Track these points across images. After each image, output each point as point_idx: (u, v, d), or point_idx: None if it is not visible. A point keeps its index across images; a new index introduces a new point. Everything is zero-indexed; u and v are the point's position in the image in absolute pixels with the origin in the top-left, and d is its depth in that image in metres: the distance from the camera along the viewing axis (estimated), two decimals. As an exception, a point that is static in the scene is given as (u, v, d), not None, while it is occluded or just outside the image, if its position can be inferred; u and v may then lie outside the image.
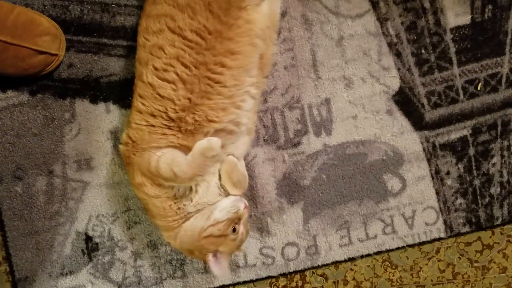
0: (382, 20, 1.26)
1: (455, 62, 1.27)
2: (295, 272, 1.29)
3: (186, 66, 1.00)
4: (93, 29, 1.19)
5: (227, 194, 1.08)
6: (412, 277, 1.32)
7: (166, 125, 1.02)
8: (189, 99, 1.00)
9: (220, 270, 1.04)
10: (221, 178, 1.08)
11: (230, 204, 1.05)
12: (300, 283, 1.30)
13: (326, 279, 1.31)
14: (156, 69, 1.01)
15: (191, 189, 1.05)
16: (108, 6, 1.18)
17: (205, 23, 0.99)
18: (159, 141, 1.01)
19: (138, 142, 1.03)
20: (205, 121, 1.01)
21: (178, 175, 0.97)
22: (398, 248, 1.30)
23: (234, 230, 1.04)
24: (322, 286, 1.31)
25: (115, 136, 1.21)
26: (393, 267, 1.32)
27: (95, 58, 1.20)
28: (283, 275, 1.28)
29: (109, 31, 1.19)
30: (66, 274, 1.23)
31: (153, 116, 1.02)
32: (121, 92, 1.21)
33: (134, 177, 1.05)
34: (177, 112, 1.01)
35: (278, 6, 1.14)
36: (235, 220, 1.04)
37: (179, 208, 1.05)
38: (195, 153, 0.98)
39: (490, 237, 1.33)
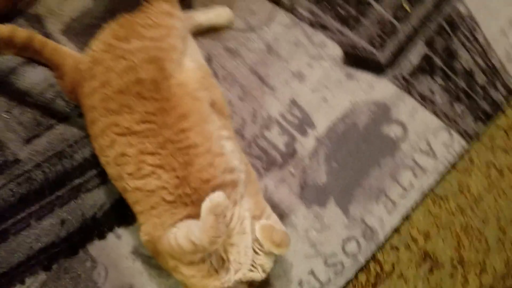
0: (291, 10, 1.30)
1: (372, 2, 1.31)
2: (367, 262, 1.26)
3: (154, 154, 1.01)
4: (61, 180, 1.20)
5: (267, 251, 1.06)
6: (466, 197, 1.31)
7: (171, 209, 1.01)
8: (176, 176, 1.01)
9: None
10: (263, 245, 1.06)
11: None
12: (378, 268, 1.27)
13: (397, 248, 1.28)
14: (130, 174, 1.02)
15: (223, 259, 1.03)
16: (62, 153, 1.20)
17: (145, 109, 1.01)
18: (171, 220, 1.01)
19: (154, 232, 1.03)
20: (203, 184, 1.01)
21: (197, 243, 0.94)
22: (437, 182, 1.29)
23: None
24: (398, 257, 1.28)
25: (139, 252, 1.20)
26: (445, 199, 1.30)
27: (79, 202, 1.20)
28: (359, 271, 1.26)
29: (76, 171, 1.20)
30: None
31: (154, 208, 1.02)
32: (120, 214, 1.20)
33: (167, 262, 1.03)
34: (173, 194, 1.01)
35: (200, 55, 1.17)
36: None
37: (222, 283, 1.02)
38: (203, 216, 0.96)
39: (505, 119, 1.33)
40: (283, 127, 1.28)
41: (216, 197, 0.96)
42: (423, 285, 1.28)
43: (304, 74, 1.30)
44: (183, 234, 0.97)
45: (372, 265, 1.27)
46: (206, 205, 0.96)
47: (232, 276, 1.03)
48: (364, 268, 1.26)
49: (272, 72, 1.29)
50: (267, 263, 1.07)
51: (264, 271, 1.07)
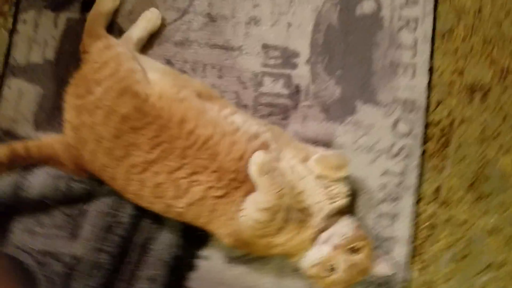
0: None
1: None
2: (425, 131, 1.23)
3: (180, 167, 1.00)
4: (125, 247, 1.19)
5: (334, 179, 1.05)
6: (470, 17, 1.26)
7: (228, 200, 1.01)
8: (213, 172, 1.00)
9: None
10: (327, 176, 1.05)
11: (315, 255, 1.02)
12: (437, 129, 1.24)
13: (442, 101, 1.24)
14: (174, 197, 1.01)
15: (302, 209, 1.02)
16: (109, 226, 1.19)
17: (147, 137, 1.00)
18: (235, 208, 1.00)
19: (230, 229, 1.02)
20: (238, 162, 1.01)
21: (269, 207, 0.96)
22: (435, 20, 1.25)
23: (332, 269, 1.00)
24: (448, 107, 1.24)
25: (232, 258, 1.19)
26: (451, 31, 1.26)
27: (152, 253, 1.19)
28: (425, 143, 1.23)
29: (132, 231, 1.19)
30: None
31: (215, 210, 1.02)
32: (193, 238, 1.18)
33: (260, 245, 1.03)
34: (220, 187, 1.00)
35: (158, 64, 1.16)
36: (328, 263, 1.00)
37: (314, 228, 1.02)
38: (257, 181, 0.97)
39: None
40: (272, 73, 1.25)
41: (257, 158, 0.98)
42: (487, 114, 1.24)
43: (256, 16, 1.26)
44: (252, 209, 0.98)
45: (430, 130, 1.24)
46: (253, 170, 0.98)
47: (319, 217, 1.02)
48: (426, 138, 1.23)
49: (228, 35, 1.25)
50: (342, 189, 1.06)
51: (343, 196, 1.06)
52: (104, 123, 1.01)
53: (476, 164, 1.23)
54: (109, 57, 1.06)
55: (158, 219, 1.18)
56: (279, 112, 1.24)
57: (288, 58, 1.26)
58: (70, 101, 1.06)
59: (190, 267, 1.19)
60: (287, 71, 1.25)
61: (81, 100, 1.03)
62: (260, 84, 1.25)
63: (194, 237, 1.18)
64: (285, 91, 1.25)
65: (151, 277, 1.18)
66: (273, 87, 1.25)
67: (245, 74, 1.25)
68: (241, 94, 1.25)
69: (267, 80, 1.25)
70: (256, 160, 0.98)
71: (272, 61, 1.26)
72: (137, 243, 1.20)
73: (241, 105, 1.23)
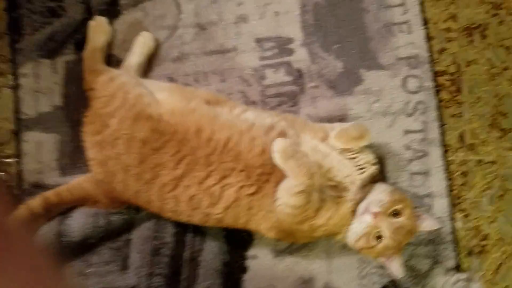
0: None
1: None
2: (435, 81, 1.23)
3: (208, 175, 1.02)
4: (175, 266, 1.21)
5: (358, 149, 1.07)
6: None
7: (261, 195, 1.03)
8: (240, 171, 1.02)
9: (394, 271, 1.04)
10: (350, 148, 1.06)
11: (358, 227, 1.02)
12: (447, 78, 1.24)
13: (445, 49, 1.24)
14: (210, 205, 1.03)
15: (334, 186, 1.03)
16: (155, 249, 1.20)
17: (169, 155, 1.03)
18: (270, 199, 1.02)
19: (271, 221, 1.04)
20: (261, 156, 1.02)
21: (302, 189, 0.98)
22: None
23: (379, 237, 1.01)
24: (452, 52, 1.24)
25: (280, 251, 1.20)
26: None
27: (203, 264, 1.20)
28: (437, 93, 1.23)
29: (178, 249, 1.20)
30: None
31: (251, 207, 1.04)
32: (237, 241, 1.20)
33: (303, 231, 1.04)
34: (251, 184, 1.02)
35: (162, 83, 1.18)
36: (373, 232, 1.01)
37: (352, 201, 1.03)
38: (284, 166, 1.00)
39: None
40: (272, 64, 1.26)
41: (278, 145, 1.00)
42: (490, 50, 1.24)
43: (242, 14, 1.27)
44: (287, 196, 0.99)
45: (440, 80, 1.24)
46: (277, 158, 1.00)
47: (353, 190, 1.03)
48: (437, 89, 1.23)
49: (221, 39, 1.27)
50: (368, 157, 1.07)
51: (371, 164, 1.07)
52: (127, 151, 1.03)
53: (491, 102, 1.24)
54: (115, 88, 1.08)
55: (200, 231, 1.20)
56: (287, 100, 1.25)
57: (283, 46, 1.26)
58: (89, 139, 1.08)
59: (242, 269, 1.20)
60: (286, 58, 1.26)
61: (99, 136, 1.06)
62: (262, 78, 1.26)
63: (238, 240, 1.20)
64: (288, 78, 1.26)
65: (208, 287, 1.20)
66: (276, 77, 1.26)
67: (246, 72, 1.26)
68: (247, 92, 1.26)
69: (269, 72, 1.26)
70: (278, 147, 1.00)
71: (268, 53, 1.27)
72: (186, 258, 1.21)
73: (249, 103, 1.24)
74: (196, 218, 1.06)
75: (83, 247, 1.21)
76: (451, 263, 1.19)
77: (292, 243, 1.19)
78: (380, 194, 1.03)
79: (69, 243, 1.19)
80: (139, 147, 1.02)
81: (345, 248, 1.10)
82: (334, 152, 1.05)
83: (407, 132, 1.21)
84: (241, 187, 1.01)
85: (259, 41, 1.27)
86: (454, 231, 1.20)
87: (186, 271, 1.21)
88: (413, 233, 1.03)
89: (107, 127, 1.05)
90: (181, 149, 1.02)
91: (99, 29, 1.22)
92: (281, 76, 1.26)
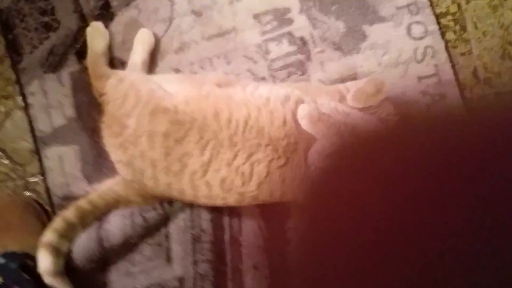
0: None
1: None
2: (438, 24, 1.22)
3: (235, 155, 1.03)
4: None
5: (378, 104, 1.08)
6: None
7: (292, 165, 1.03)
8: (266, 145, 1.02)
9: None
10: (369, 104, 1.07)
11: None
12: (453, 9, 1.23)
13: None
14: (243, 184, 1.03)
15: None
16: (194, 237, 1.23)
17: (194, 142, 1.03)
18: (301, 167, 1.03)
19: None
20: (283, 128, 1.03)
21: (335, 148, 0.97)
22: None
23: None
24: None
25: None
26: None
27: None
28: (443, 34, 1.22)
29: (217, 234, 1.22)
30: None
31: (285, 179, 1.04)
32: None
33: None
34: (280, 156, 1.02)
35: (170, 76, 1.19)
36: None
37: None
38: (313, 130, 1.01)
39: None
40: (274, 37, 1.25)
41: (302, 111, 1.01)
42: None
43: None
44: (321, 159, 1.00)
45: (443, 22, 1.22)
46: (305, 124, 1.01)
47: None
48: (442, 31, 1.22)
49: (218, 22, 1.26)
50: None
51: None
52: (150, 147, 1.03)
53: (498, 34, 1.22)
54: (126, 88, 1.08)
55: (235, 212, 1.21)
56: (296, 70, 1.24)
57: (281, 17, 1.25)
58: (110, 142, 1.08)
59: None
60: (286, 29, 1.25)
61: (120, 137, 1.06)
62: (267, 52, 1.25)
63: (275, 215, 1.21)
64: (293, 48, 1.25)
65: (254, 265, 1.21)
66: (280, 49, 1.25)
67: (249, 49, 1.26)
68: (254, 69, 1.25)
69: (272, 46, 1.25)
70: (303, 113, 1.01)
71: (268, 27, 1.26)
72: (227, 241, 1.23)
73: (259, 79, 1.24)
74: (231, 200, 1.06)
75: (125, 248, 1.22)
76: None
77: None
78: None
79: (111, 247, 1.21)
80: (162, 141, 1.03)
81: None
82: (355, 110, 1.05)
83: (421, 78, 1.21)
84: (270, 161, 1.02)
85: (256, 16, 1.26)
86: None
87: (229, 254, 1.23)
88: None
89: (126, 128, 1.05)
90: (203, 135, 1.02)
91: (97, 35, 1.21)
92: (285, 47, 1.25)
